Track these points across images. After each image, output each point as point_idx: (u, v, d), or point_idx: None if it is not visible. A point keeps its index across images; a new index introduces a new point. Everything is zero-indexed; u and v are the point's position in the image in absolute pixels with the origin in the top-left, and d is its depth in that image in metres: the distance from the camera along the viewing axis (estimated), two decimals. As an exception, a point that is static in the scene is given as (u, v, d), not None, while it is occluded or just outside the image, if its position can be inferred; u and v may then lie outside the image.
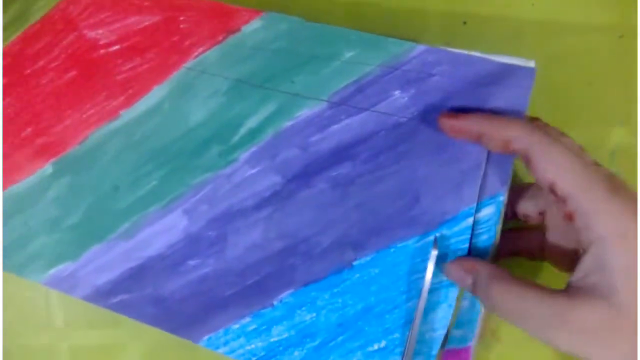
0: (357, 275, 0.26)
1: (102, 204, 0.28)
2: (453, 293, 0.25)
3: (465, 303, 0.25)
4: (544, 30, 0.31)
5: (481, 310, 0.25)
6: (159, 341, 0.32)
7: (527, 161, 0.21)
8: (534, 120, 0.23)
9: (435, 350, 0.25)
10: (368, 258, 0.26)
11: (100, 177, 0.28)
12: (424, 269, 0.25)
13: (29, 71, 0.30)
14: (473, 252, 0.25)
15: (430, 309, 0.25)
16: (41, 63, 0.30)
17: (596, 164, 0.21)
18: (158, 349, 0.32)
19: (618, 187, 0.20)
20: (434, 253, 0.24)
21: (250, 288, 0.27)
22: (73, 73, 0.29)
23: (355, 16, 0.31)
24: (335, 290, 0.26)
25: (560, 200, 0.21)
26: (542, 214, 0.25)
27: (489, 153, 0.24)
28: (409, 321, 0.25)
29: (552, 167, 0.21)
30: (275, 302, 0.27)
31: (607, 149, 0.30)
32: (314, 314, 0.26)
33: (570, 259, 0.23)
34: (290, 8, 0.27)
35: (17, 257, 0.30)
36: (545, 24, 0.31)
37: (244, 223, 0.27)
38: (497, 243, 0.25)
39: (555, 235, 0.25)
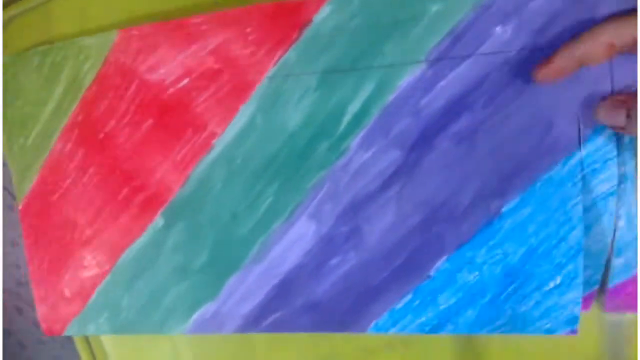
0: (510, 220, 0.25)
1: (226, 235, 0.28)
2: (612, 202, 0.24)
3: (622, 223, 0.24)
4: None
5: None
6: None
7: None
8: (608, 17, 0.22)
9: (603, 260, 0.24)
10: (516, 200, 0.25)
11: (217, 210, 0.28)
12: (578, 194, 0.24)
13: (102, 135, 0.29)
14: None
15: (593, 223, 0.24)
16: (112, 123, 0.29)
17: None
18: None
19: None
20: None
21: (401, 267, 0.27)
22: (149, 122, 0.28)
23: None
24: (491, 243, 0.25)
25: None
26: None
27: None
28: (579, 251, 0.24)
29: None
30: (432, 273, 0.26)
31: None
32: (477, 273, 0.26)
33: None
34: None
35: (154, 315, 0.30)
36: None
37: (374, 208, 0.26)
38: None
39: None
